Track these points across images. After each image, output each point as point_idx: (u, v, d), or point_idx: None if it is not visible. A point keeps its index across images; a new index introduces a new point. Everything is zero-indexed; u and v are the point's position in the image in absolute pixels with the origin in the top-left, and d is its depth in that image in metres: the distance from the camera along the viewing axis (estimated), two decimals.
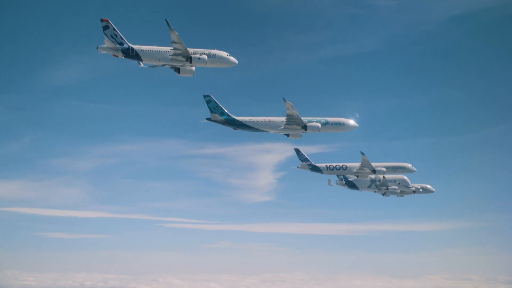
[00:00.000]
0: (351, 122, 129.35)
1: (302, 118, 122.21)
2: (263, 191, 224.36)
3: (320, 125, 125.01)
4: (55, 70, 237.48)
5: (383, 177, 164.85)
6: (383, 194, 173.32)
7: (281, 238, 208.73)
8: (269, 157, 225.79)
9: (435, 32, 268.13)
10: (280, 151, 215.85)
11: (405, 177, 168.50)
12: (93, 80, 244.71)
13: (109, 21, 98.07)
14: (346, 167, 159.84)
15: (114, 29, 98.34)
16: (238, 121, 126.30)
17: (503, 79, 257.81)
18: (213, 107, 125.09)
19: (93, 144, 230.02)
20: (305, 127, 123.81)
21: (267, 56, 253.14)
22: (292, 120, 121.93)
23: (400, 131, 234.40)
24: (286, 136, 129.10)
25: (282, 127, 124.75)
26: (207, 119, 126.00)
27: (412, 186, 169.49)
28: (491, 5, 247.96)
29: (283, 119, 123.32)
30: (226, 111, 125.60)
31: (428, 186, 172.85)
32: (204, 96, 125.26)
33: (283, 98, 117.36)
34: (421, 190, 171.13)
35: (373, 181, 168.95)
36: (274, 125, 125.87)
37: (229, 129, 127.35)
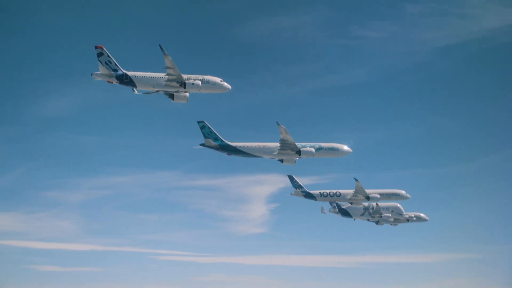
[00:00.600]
0: (345, 147, 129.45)
1: (295, 143, 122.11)
2: (256, 222, 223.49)
3: (314, 150, 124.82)
4: (46, 102, 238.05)
5: (377, 204, 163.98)
6: (376, 223, 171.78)
7: (275, 270, 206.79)
8: (262, 188, 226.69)
9: (425, 63, 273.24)
10: (273, 183, 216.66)
11: (399, 205, 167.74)
12: (84, 111, 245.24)
13: (103, 47, 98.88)
14: (340, 194, 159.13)
15: (108, 55, 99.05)
16: (232, 146, 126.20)
17: (495, 109, 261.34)
18: (207, 133, 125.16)
19: (85, 176, 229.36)
20: (299, 152, 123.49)
21: (258, 87, 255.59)
22: (286, 145, 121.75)
23: (393, 161, 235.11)
24: (280, 162, 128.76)
25: (276, 152, 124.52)
26: (201, 144, 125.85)
27: (406, 214, 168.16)
28: (480, 35, 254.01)
29: (277, 144, 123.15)
30: (220, 136, 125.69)
31: (422, 214, 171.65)
32: (198, 122, 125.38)
33: (276, 122, 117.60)
34: (414, 218, 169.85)
35: (366, 208, 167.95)
36: (268, 151, 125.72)
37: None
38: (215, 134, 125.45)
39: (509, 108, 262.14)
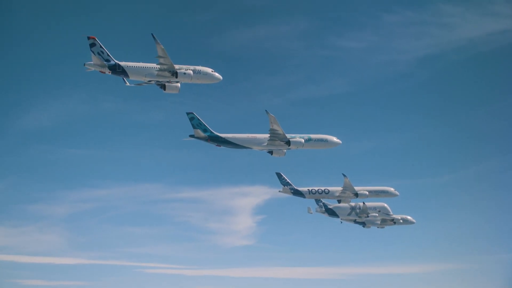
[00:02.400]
0: (335, 139, 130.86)
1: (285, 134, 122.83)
2: (242, 235, 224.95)
3: (303, 140, 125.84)
4: (26, 114, 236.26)
5: (363, 203, 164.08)
6: (363, 225, 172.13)
7: (262, 283, 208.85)
8: (247, 200, 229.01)
9: (406, 73, 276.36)
10: (257, 194, 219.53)
11: (386, 205, 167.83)
12: (64, 124, 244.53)
13: (96, 38, 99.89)
14: (328, 191, 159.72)
15: (100, 46, 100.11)
16: (221, 137, 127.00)
17: (477, 117, 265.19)
18: (196, 124, 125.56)
19: (69, 189, 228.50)
20: (288, 143, 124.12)
21: (238, 98, 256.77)
22: (275, 136, 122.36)
23: (376, 171, 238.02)
24: (270, 154, 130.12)
25: (266, 143, 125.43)
26: (190, 136, 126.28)
27: (393, 215, 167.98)
28: (460, 44, 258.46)
29: (267, 135, 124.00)
30: (209, 128, 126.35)
31: (409, 217, 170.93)
32: (187, 113, 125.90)
33: (265, 110, 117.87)
34: (401, 221, 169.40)
35: (353, 208, 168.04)
36: (257, 142, 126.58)
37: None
38: (204, 125, 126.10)
39: (492, 115, 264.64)
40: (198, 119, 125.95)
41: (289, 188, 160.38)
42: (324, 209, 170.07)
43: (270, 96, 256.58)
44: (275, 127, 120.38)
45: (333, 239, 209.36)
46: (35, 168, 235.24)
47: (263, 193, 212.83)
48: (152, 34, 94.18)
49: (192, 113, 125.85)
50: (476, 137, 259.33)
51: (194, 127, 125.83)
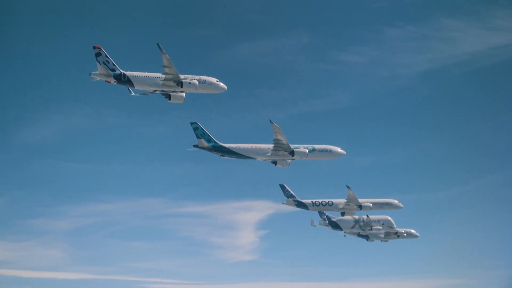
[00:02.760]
0: (339, 149, 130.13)
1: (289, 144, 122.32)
2: (245, 249, 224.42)
3: (307, 150, 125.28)
4: (28, 129, 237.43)
5: (367, 216, 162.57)
6: (366, 239, 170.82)
7: None
8: (250, 215, 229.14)
9: (408, 87, 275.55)
10: (260, 209, 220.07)
11: (389, 218, 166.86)
12: (67, 138, 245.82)
13: (101, 48, 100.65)
14: (332, 203, 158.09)
15: (106, 56, 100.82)
16: (225, 147, 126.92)
17: (479, 132, 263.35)
18: (200, 134, 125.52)
19: (71, 204, 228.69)
20: (292, 153, 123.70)
21: (240, 112, 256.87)
22: (279, 146, 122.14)
23: (379, 186, 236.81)
24: (274, 165, 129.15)
25: (270, 154, 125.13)
26: (194, 146, 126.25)
27: (397, 228, 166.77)
28: (462, 59, 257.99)
29: (271, 146, 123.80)
30: (213, 138, 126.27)
31: (413, 230, 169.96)
32: (191, 124, 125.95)
33: (269, 120, 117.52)
34: (405, 234, 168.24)
35: (356, 221, 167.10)
36: (261, 152, 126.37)
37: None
38: (208, 135, 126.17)
39: (494, 130, 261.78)
40: (202, 129, 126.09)
41: (293, 200, 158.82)
42: (327, 222, 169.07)
43: (272, 110, 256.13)
44: (279, 137, 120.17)
45: (336, 253, 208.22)
46: (37, 183, 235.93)
47: (266, 207, 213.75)
48: (157, 43, 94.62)
49: (196, 123, 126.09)
50: (478, 152, 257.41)
51: (198, 137, 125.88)
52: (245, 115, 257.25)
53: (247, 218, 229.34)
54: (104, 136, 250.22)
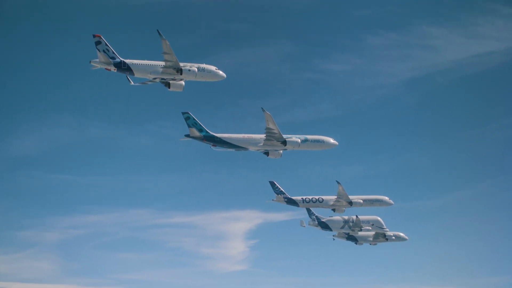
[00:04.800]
0: (331, 140, 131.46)
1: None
2: (235, 260, 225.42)
3: (299, 140, 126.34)
4: (13, 140, 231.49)
5: (356, 216, 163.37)
6: (355, 243, 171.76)
7: None
8: (239, 225, 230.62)
9: (392, 96, 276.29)
10: (249, 219, 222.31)
11: (379, 218, 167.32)
12: (53, 150, 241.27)
13: (101, 36, 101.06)
14: (323, 199, 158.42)
15: (106, 44, 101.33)
16: (217, 137, 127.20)
17: (465, 140, 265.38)
18: (192, 124, 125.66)
19: (60, 215, 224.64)
20: (284, 143, 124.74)
21: (226, 123, 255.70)
22: (272, 135, 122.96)
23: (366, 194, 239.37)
24: (266, 155, 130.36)
25: (262, 143, 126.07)
26: (186, 135, 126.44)
27: (387, 229, 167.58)
28: (445, 67, 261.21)
29: (263, 136, 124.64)
30: (204, 128, 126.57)
31: (401, 234, 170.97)
32: (183, 113, 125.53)
33: (261, 108, 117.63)
34: (393, 238, 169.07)
35: (346, 221, 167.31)
36: (253, 142, 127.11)
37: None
38: (200, 125, 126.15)
39: (480, 137, 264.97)
40: (194, 119, 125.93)
41: (283, 197, 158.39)
42: (317, 222, 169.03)
43: (256, 121, 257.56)
44: (271, 125, 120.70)
45: (325, 260, 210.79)
46: (25, 195, 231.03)
47: (254, 217, 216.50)
48: (157, 30, 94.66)
49: (187, 112, 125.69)
50: (465, 159, 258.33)
51: (189, 126, 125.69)
52: (229, 125, 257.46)
53: (236, 228, 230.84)
54: (90, 147, 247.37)
